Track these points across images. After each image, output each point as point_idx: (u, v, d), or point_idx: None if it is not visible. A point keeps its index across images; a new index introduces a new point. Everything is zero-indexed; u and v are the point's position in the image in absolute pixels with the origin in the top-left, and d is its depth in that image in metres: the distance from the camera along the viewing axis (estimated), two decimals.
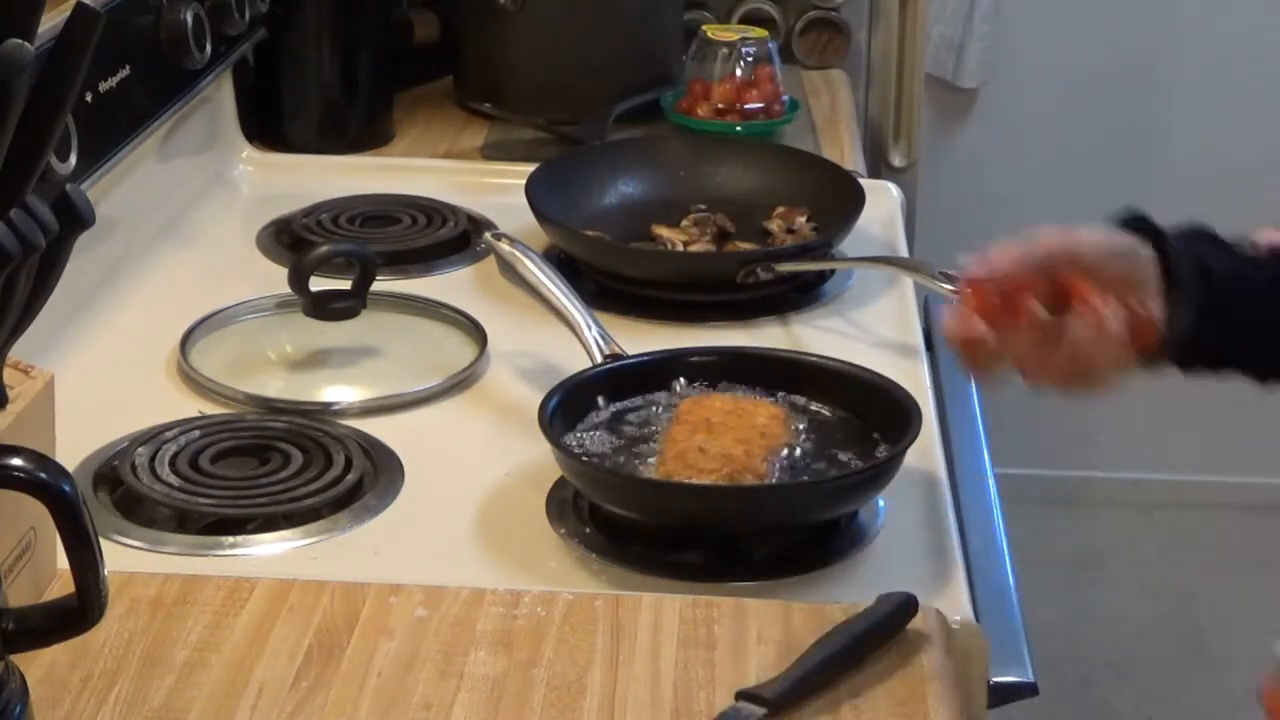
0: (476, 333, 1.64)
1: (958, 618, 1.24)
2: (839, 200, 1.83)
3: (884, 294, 1.76)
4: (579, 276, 1.72)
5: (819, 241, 1.78)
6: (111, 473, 1.40)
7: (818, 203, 1.86)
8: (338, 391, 1.56)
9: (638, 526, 1.32)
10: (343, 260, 1.65)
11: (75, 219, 1.03)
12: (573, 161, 1.94)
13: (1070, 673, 2.93)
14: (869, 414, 1.41)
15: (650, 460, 1.36)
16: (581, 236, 1.78)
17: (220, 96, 2.06)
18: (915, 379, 1.56)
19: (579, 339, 1.53)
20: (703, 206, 1.87)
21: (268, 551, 1.32)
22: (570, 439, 1.38)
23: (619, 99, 2.19)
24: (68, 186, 1.03)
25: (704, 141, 2.03)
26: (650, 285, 1.73)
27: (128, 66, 1.71)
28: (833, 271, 1.78)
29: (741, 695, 1.11)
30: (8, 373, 1.11)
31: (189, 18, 1.82)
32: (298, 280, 1.60)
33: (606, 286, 1.73)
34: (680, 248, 1.82)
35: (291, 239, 1.88)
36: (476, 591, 1.24)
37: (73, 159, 1.54)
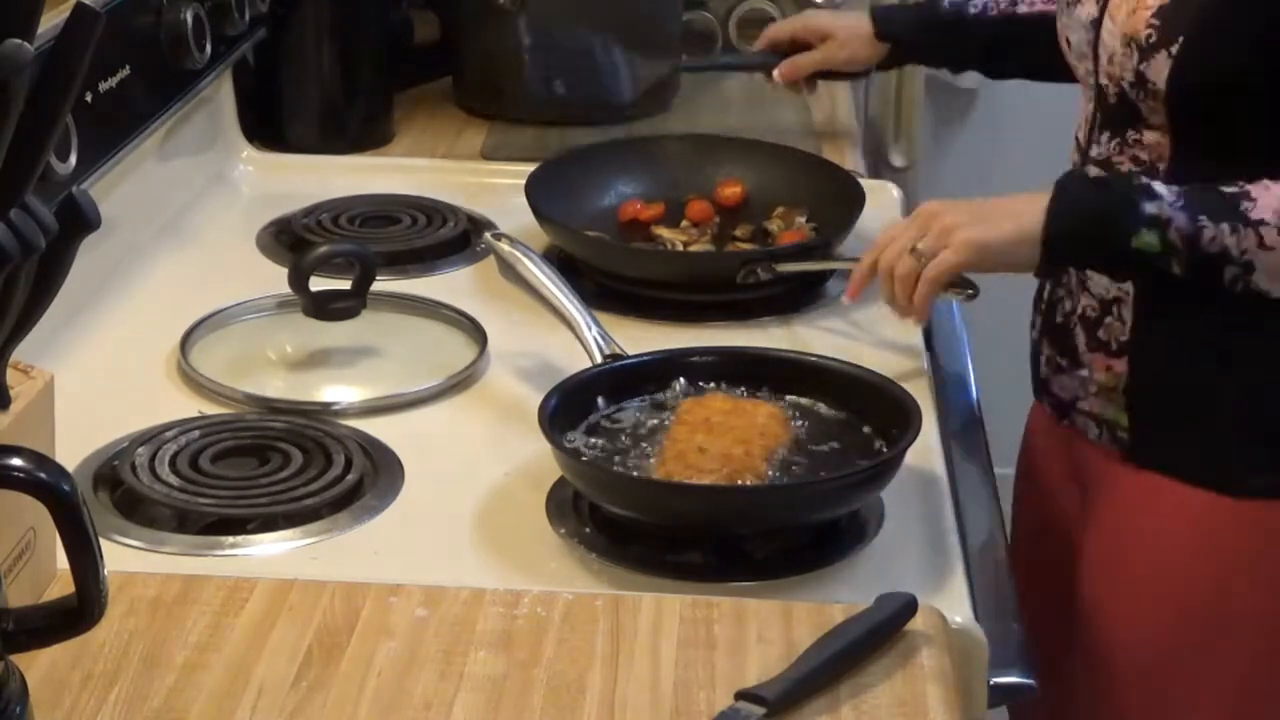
0: (476, 333, 1.64)
1: (958, 618, 1.24)
2: (839, 200, 1.83)
3: None
4: (579, 276, 1.72)
5: (819, 241, 1.78)
6: (111, 473, 1.40)
7: (818, 203, 1.86)
8: (338, 391, 1.56)
9: (638, 526, 1.32)
10: (343, 260, 1.65)
11: (81, 222, 1.03)
12: (572, 161, 1.94)
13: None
14: (869, 414, 1.41)
15: (650, 460, 1.36)
16: (582, 236, 1.78)
17: (220, 96, 2.06)
18: (915, 379, 1.56)
19: (579, 339, 1.53)
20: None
21: (268, 551, 1.32)
22: (570, 439, 1.38)
23: (618, 98, 2.19)
24: (74, 189, 1.03)
25: (703, 142, 2.03)
26: (650, 285, 1.73)
27: (128, 66, 1.71)
28: (833, 271, 1.78)
29: (741, 695, 1.11)
30: (8, 373, 1.11)
31: (189, 18, 1.82)
32: (298, 280, 1.60)
33: (606, 286, 1.73)
34: (680, 248, 1.82)
35: (291, 239, 1.88)
36: (476, 591, 1.24)
37: (73, 159, 1.54)
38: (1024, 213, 1.46)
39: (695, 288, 1.74)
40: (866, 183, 1.91)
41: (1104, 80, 1.50)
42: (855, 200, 1.82)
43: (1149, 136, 1.49)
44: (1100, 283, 1.54)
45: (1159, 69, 1.43)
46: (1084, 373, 1.58)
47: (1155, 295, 1.50)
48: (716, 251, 1.81)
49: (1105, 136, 1.54)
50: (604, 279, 1.74)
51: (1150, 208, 1.40)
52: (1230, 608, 1.52)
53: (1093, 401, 1.58)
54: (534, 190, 1.82)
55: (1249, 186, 1.39)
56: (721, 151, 1.96)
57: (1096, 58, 1.51)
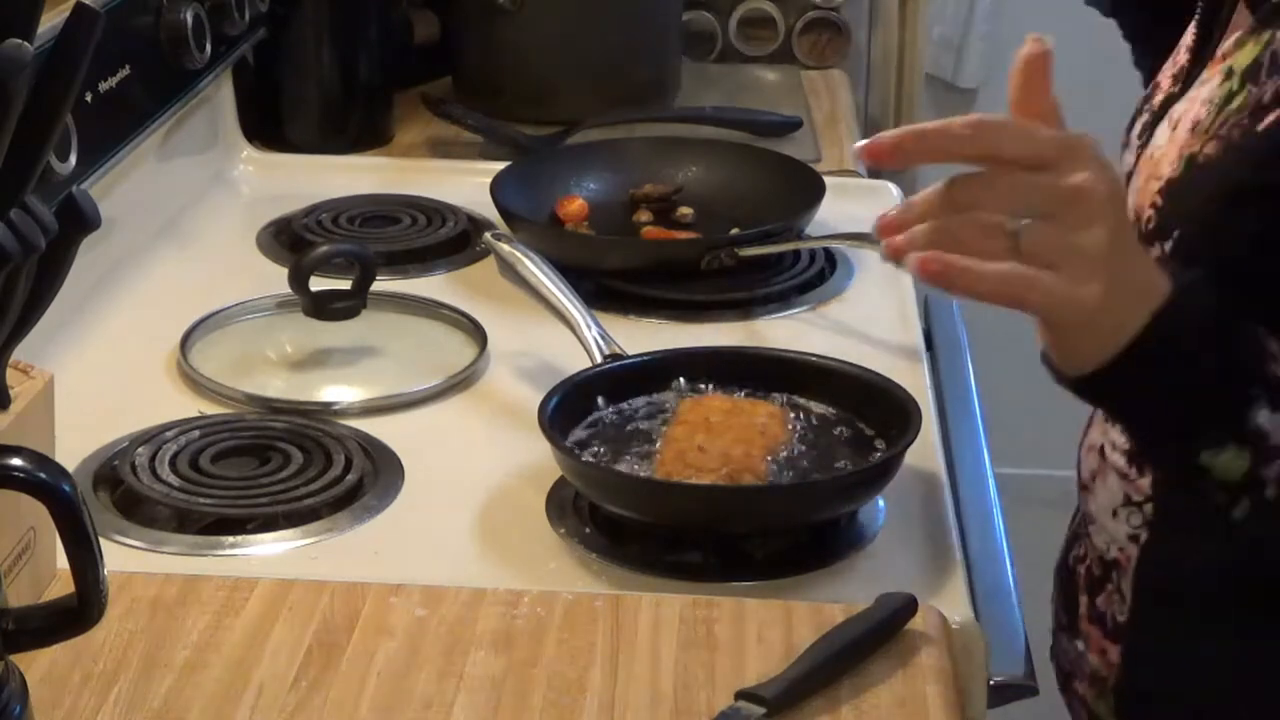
0: (476, 333, 1.64)
1: (958, 618, 1.24)
2: (801, 191, 1.83)
3: (884, 294, 1.76)
4: (579, 276, 1.72)
5: (782, 226, 1.77)
6: (111, 473, 1.40)
7: (781, 195, 1.85)
8: (338, 391, 1.56)
9: (638, 526, 1.32)
10: (343, 260, 1.65)
11: (81, 221, 1.03)
12: (533, 165, 1.93)
13: None
14: (869, 414, 1.41)
15: (650, 460, 1.36)
16: (541, 229, 1.77)
17: (220, 96, 2.06)
18: (915, 379, 1.56)
19: (579, 339, 1.53)
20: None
21: (268, 551, 1.32)
22: (570, 439, 1.38)
23: (618, 98, 2.19)
24: (74, 189, 1.03)
25: (664, 144, 2.01)
26: (617, 276, 1.72)
27: (128, 66, 1.71)
28: (833, 270, 1.78)
29: (741, 695, 1.11)
30: (8, 373, 1.11)
31: (189, 18, 1.82)
32: (298, 280, 1.60)
33: (607, 286, 1.73)
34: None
35: (291, 239, 1.88)
36: (476, 591, 1.24)
37: (73, 159, 1.54)
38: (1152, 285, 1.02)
39: (658, 277, 1.73)
40: (866, 183, 1.91)
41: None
42: (815, 187, 1.81)
43: None
44: (1106, 528, 1.23)
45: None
46: (1080, 645, 1.32)
47: (1155, 562, 1.17)
48: (679, 239, 1.81)
49: None
50: (584, 275, 1.73)
51: (1260, 417, 0.96)
52: None
53: (1085, 685, 1.31)
54: (500, 191, 1.82)
55: None
56: (681, 152, 1.95)
57: None
